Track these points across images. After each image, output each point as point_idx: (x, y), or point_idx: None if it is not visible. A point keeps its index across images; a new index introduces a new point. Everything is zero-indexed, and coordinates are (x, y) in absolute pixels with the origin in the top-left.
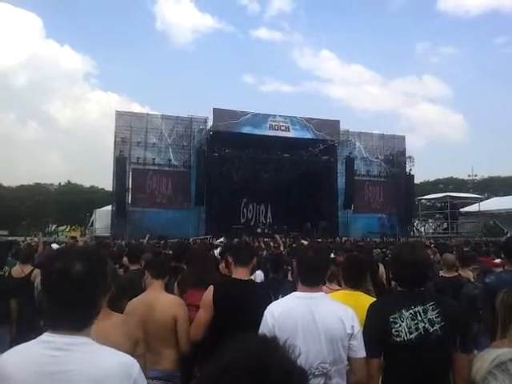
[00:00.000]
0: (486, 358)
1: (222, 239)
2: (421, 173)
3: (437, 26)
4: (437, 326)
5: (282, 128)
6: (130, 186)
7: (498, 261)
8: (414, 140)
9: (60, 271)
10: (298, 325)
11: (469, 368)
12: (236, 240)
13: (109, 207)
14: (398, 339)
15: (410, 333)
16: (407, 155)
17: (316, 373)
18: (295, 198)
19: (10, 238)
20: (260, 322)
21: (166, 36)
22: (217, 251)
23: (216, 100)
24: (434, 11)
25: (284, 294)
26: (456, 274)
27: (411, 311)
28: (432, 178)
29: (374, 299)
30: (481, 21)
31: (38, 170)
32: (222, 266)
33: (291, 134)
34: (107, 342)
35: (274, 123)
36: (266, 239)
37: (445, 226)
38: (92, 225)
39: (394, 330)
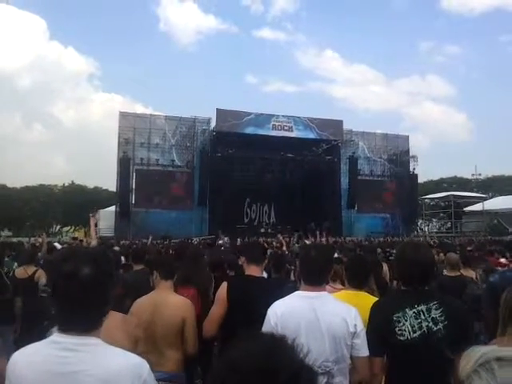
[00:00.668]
0: (472, 356)
1: (225, 239)
2: (424, 172)
3: (440, 24)
4: (440, 325)
5: (286, 128)
6: (134, 187)
7: (503, 260)
8: (418, 139)
9: (69, 274)
10: (300, 324)
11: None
12: (240, 240)
13: (112, 208)
14: (402, 338)
15: (414, 332)
16: (411, 155)
17: (319, 371)
18: (298, 198)
19: (14, 239)
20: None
21: (170, 37)
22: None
23: (219, 100)
24: (437, 10)
25: (286, 294)
26: (459, 273)
27: (415, 310)
28: (436, 178)
29: (377, 299)
30: (485, 19)
31: (42, 171)
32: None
33: (294, 134)
34: (107, 341)
35: (277, 123)
36: (268, 239)
37: (448, 225)
38: (96, 225)
39: (397, 329)
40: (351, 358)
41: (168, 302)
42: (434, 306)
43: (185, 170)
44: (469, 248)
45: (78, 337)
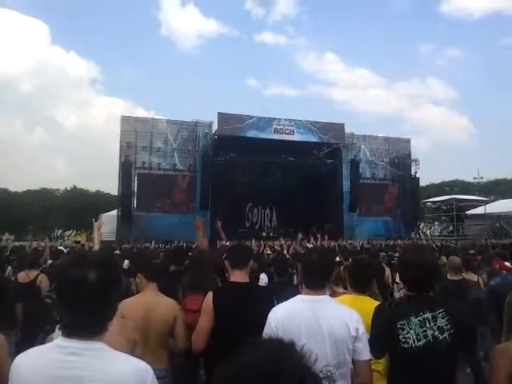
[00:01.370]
0: None
1: (227, 243)
2: (426, 175)
3: (441, 28)
4: (446, 334)
5: (287, 131)
6: (136, 191)
7: (508, 264)
8: (419, 143)
9: (75, 279)
10: (301, 328)
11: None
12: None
13: (114, 212)
14: (406, 346)
15: (418, 340)
16: (412, 158)
17: (320, 376)
18: (300, 202)
19: (16, 243)
20: (262, 323)
21: (171, 41)
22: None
23: (221, 104)
24: (437, 13)
25: (288, 298)
26: (461, 277)
27: (420, 318)
28: (437, 181)
29: (380, 303)
30: (485, 23)
31: (44, 176)
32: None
33: (296, 137)
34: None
35: (278, 127)
36: (269, 242)
37: (450, 228)
38: (99, 229)
39: (401, 337)
40: (353, 361)
41: (161, 303)
42: (441, 314)
43: (186, 174)
44: (471, 251)
45: (82, 341)
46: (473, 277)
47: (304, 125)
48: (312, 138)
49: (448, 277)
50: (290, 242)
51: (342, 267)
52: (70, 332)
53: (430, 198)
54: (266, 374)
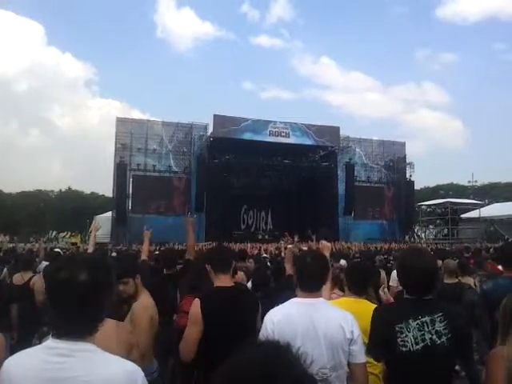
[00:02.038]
0: None
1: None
2: (421, 179)
3: (436, 32)
4: (444, 338)
5: (283, 134)
6: (131, 192)
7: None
8: (414, 146)
9: (65, 281)
10: (297, 331)
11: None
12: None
13: (109, 213)
14: (404, 349)
15: (416, 343)
16: (407, 161)
17: (316, 379)
18: (295, 205)
19: (10, 245)
20: (251, 328)
21: (167, 43)
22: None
23: (216, 107)
24: (433, 18)
25: (285, 301)
26: (457, 280)
27: (418, 321)
28: (432, 184)
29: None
30: (480, 27)
31: (38, 177)
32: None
33: (291, 140)
34: (101, 348)
35: (274, 129)
36: (264, 245)
37: (445, 231)
38: (91, 231)
39: (399, 340)
40: (348, 364)
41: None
42: (439, 319)
43: (182, 176)
44: (466, 255)
45: (72, 342)
46: (468, 280)
47: (299, 128)
48: (307, 141)
49: (444, 280)
50: (286, 245)
51: (337, 270)
52: (60, 333)
53: (424, 201)
54: (262, 375)
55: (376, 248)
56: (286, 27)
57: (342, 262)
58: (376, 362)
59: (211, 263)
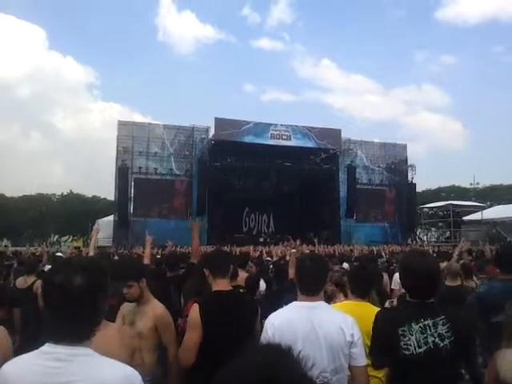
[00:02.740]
0: None
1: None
2: (423, 181)
3: (436, 35)
4: (447, 341)
5: (284, 137)
6: (132, 196)
7: None
8: (416, 149)
9: (59, 285)
10: (297, 334)
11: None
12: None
13: (111, 217)
14: (407, 352)
15: (419, 347)
16: (409, 164)
17: (317, 382)
18: (297, 207)
19: (13, 249)
20: (251, 330)
21: (168, 47)
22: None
23: (217, 110)
24: (433, 20)
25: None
26: (460, 283)
27: (421, 324)
28: (434, 187)
29: (380, 309)
30: (480, 29)
31: (40, 181)
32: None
33: (293, 142)
34: (103, 353)
35: (275, 132)
36: (267, 249)
37: (447, 234)
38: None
39: (402, 343)
40: (349, 367)
41: None
42: (441, 321)
43: (183, 179)
44: (468, 257)
45: (69, 347)
46: (471, 283)
47: (301, 130)
48: (309, 144)
49: (446, 283)
50: (288, 248)
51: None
52: (57, 338)
53: (426, 203)
54: (263, 379)
55: (378, 251)
56: (286, 30)
57: (345, 265)
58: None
59: (209, 267)
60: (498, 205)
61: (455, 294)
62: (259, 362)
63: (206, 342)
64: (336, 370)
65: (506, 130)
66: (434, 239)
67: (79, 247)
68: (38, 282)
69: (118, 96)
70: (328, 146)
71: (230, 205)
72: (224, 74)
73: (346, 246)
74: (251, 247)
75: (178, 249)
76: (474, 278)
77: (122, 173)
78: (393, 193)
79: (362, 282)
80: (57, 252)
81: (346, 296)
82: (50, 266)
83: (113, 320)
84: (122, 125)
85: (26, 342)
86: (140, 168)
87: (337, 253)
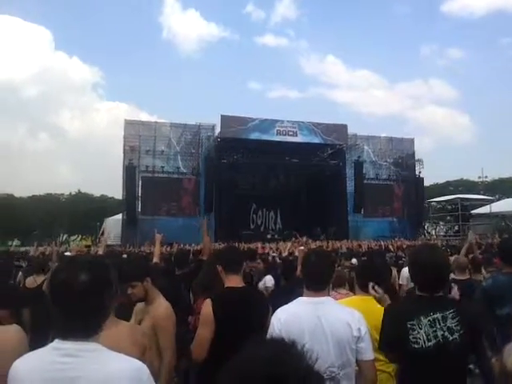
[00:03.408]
0: None
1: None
2: (431, 175)
3: (442, 28)
4: (456, 335)
5: (290, 133)
6: (140, 194)
7: None
8: (423, 143)
9: (64, 282)
10: (304, 329)
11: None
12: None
13: (119, 216)
14: (416, 346)
15: (429, 340)
16: (416, 158)
17: (323, 376)
18: (304, 203)
19: (22, 249)
20: (263, 327)
21: (173, 45)
22: None
23: (223, 107)
24: (439, 14)
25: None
26: (468, 276)
27: (430, 318)
28: (442, 181)
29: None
30: (486, 22)
31: (48, 181)
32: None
33: (299, 139)
34: (115, 350)
35: (281, 128)
36: (274, 245)
37: (456, 228)
38: (103, 233)
39: (411, 337)
40: (357, 362)
41: None
42: (451, 315)
43: (190, 177)
44: (477, 251)
45: (77, 342)
46: (479, 277)
47: (307, 126)
48: (315, 140)
49: (454, 276)
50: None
51: (346, 270)
52: (65, 334)
53: (434, 197)
54: (268, 374)
55: (386, 245)
56: (291, 26)
57: (354, 260)
58: (388, 360)
59: (222, 263)
60: (507, 198)
61: (463, 287)
62: (264, 357)
63: (217, 337)
64: (343, 365)
65: None
66: (442, 233)
67: (89, 246)
68: (47, 281)
69: (124, 95)
70: (335, 142)
71: (237, 202)
72: (229, 71)
73: (354, 241)
74: (259, 244)
75: (186, 246)
76: (483, 271)
77: (130, 172)
78: (400, 187)
79: (369, 277)
80: (66, 251)
81: (352, 290)
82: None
83: (124, 318)
84: (129, 124)
85: (36, 342)
86: (147, 167)
87: (344, 248)
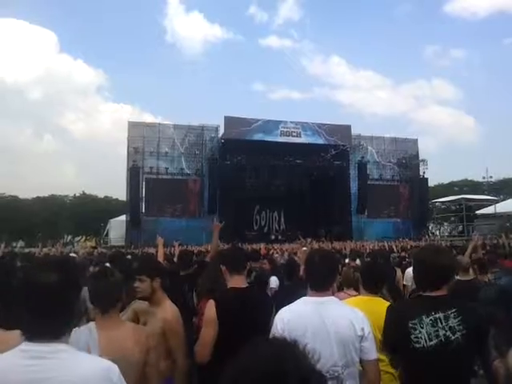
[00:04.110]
0: None
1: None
2: (435, 176)
3: (445, 29)
4: (458, 334)
5: (294, 134)
6: (144, 196)
7: None
8: (427, 143)
9: (32, 283)
10: (307, 329)
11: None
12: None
13: (123, 217)
14: (418, 345)
15: (430, 339)
16: (420, 158)
17: (327, 376)
18: (308, 204)
19: (26, 250)
20: (267, 327)
21: (177, 47)
22: None
23: (227, 109)
24: (442, 14)
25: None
26: (471, 277)
27: (431, 317)
28: (446, 181)
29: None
30: (489, 22)
31: (53, 182)
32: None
33: (303, 139)
34: (119, 351)
35: (285, 129)
36: (278, 246)
37: (460, 228)
38: (107, 235)
39: (413, 336)
40: (360, 361)
41: None
42: (453, 315)
43: (194, 178)
44: (482, 251)
45: (45, 344)
46: (483, 277)
47: (311, 127)
48: (319, 140)
49: (458, 277)
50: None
51: (352, 269)
52: (33, 335)
53: (438, 198)
54: (269, 372)
55: (390, 246)
56: (294, 27)
57: (357, 261)
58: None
59: (226, 264)
60: None
61: (467, 287)
62: (266, 354)
63: (221, 338)
64: (347, 364)
65: None
66: (446, 234)
67: (96, 247)
68: None
69: (128, 97)
70: (338, 142)
71: (240, 203)
72: (233, 73)
73: (358, 242)
74: (262, 245)
75: (188, 247)
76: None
77: (134, 173)
78: (404, 188)
79: (373, 278)
80: (70, 252)
81: (357, 291)
82: None
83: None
84: (133, 125)
85: None
86: (151, 168)
87: (348, 249)
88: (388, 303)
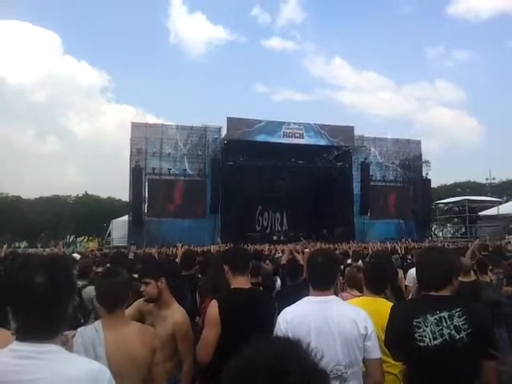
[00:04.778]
0: None
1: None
2: (438, 177)
3: (448, 30)
4: (463, 333)
5: (297, 135)
6: (147, 196)
7: None
8: (430, 144)
9: (22, 284)
10: (310, 329)
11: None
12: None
13: (126, 217)
14: (422, 344)
15: (435, 338)
16: (423, 159)
17: (331, 376)
18: (311, 205)
19: (29, 250)
20: (270, 328)
21: (180, 49)
22: None
23: (229, 110)
24: (445, 15)
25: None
26: (473, 278)
27: (436, 316)
28: (449, 182)
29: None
30: (492, 23)
31: (56, 183)
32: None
33: (305, 141)
34: (125, 350)
35: (288, 130)
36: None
37: (463, 230)
38: (109, 235)
39: (417, 335)
40: (363, 360)
41: None
42: (457, 314)
43: (196, 179)
44: (483, 253)
45: (35, 345)
46: (485, 278)
47: (313, 128)
48: (321, 142)
49: (460, 279)
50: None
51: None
52: (23, 336)
53: (441, 199)
54: (272, 371)
55: (393, 247)
56: (297, 29)
57: (359, 262)
58: (394, 362)
59: (229, 264)
60: None
61: (469, 288)
62: (268, 352)
63: (223, 338)
64: (351, 364)
65: None
66: (449, 235)
67: (101, 248)
68: None
69: (131, 98)
70: (341, 144)
71: (243, 204)
72: (236, 74)
73: (361, 243)
74: (265, 246)
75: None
76: (489, 273)
77: (136, 174)
78: (407, 189)
79: (376, 278)
80: (73, 252)
81: (361, 291)
82: None
83: (134, 319)
84: (136, 126)
85: None
86: (154, 169)
87: (350, 250)
88: (390, 303)
